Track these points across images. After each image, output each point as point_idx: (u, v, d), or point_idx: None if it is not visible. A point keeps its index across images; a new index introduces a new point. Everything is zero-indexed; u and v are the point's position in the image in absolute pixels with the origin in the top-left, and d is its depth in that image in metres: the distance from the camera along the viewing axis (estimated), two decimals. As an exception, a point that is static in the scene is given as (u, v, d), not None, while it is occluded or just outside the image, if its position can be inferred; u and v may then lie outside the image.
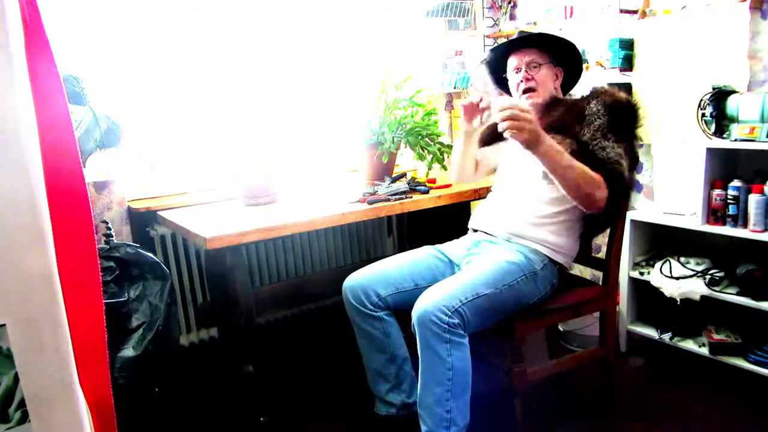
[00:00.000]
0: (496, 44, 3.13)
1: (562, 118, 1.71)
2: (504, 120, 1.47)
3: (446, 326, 1.49)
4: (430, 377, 1.53)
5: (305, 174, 2.62)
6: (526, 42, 1.80)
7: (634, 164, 1.73)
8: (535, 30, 2.87)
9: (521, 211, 1.75)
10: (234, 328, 1.91)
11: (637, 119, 1.70)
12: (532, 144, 1.50)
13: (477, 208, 1.94)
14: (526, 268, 1.67)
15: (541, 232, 1.72)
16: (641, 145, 1.78)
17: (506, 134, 1.47)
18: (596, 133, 1.63)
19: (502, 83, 1.92)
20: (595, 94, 1.72)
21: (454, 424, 1.53)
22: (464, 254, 1.84)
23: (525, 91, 1.78)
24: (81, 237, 0.84)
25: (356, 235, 2.80)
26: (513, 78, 1.82)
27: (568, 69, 1.85)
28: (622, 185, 1.63)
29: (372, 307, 1.75)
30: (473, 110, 1.78)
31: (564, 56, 1.82)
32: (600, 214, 1.66)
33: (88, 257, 0.85)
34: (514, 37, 1.84)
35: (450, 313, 1.49)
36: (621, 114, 1.67)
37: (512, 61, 1.82)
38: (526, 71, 1.77)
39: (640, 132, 1.72)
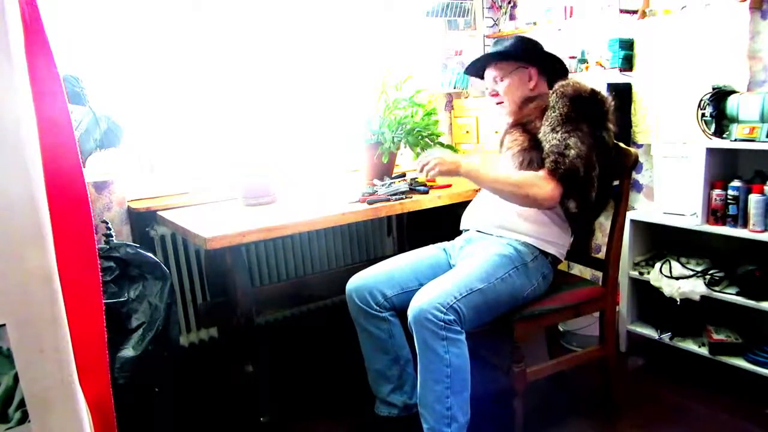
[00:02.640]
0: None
1: (529, 113, 1.76)
2: (423, 169, 1.72)
3: (442, 323, 1.50)
4: (429, 375, 1.54)
5: (305, 174, 2.62)
6: (487, 58, 1.88)
7: (591, 150, 1.64)
8: (536, 29, 2.88)
9: (505, 204, 1.76)
10: (234, 328, 1.91)
11: (600, 110, 1.68)
12: (451, 174, 1.69)
13: (466, 209, 1.95)
14: (517, 260, 1.69)
15: (527, 223, 1.74)
16: (615, 134, 1.74)
17: (431, 175, 1.71)
18: (546, 128, 1.66)
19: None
20: (559, 86, 1.71)
21: (455, 421, 1.54)
22: (457, 253, 1.86)
23: (497, 104, 1.88)
24: (81, 237, 0.84)
25: (356, 235, 2.80)
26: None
27: (547, 62, 1.86)
28: (569, 173, 1.60)
29: (377, 308, 1.76)
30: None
31: (535, 54, 1.84)
32: (575, 203, 1.66)
33: (88, 257, 0.85)
34: (476, 57, 1.94)
35: (445, 310, 1.50)
36: (580, 105, 1.65)
37: (487, 75, 1.91)
38: (492, 88, 1.87)
39: (610, 123, 1.70)
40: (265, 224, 1.76)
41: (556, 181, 1.61)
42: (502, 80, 1.84)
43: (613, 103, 1.71)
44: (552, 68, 1.86)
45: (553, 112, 1.66)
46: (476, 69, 1.94)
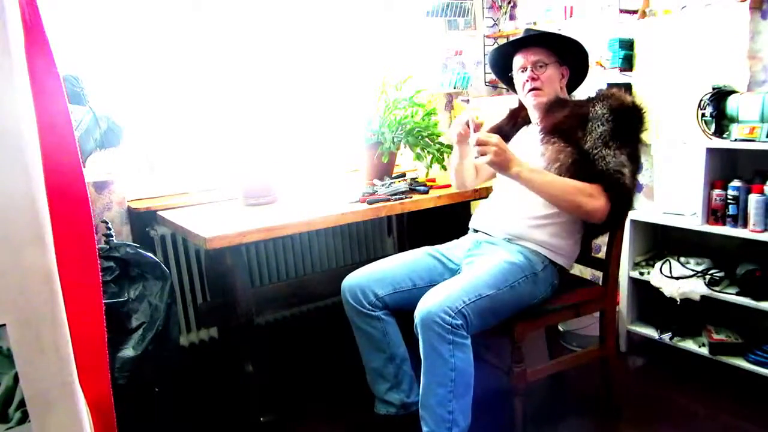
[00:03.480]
0: (496, 44, 3.14)
1: (566, 121, 1.69)
2: (477, 148, 1.59)
3: (449, 327, 1.49)
4: (433, 378, 1.53)
5: (305, 174, 2.62)
6: (534, 41, 1.79)
7: (638, 168, 1.70)
8: (537, 29, 2.88)
9: (520, 213, 1.75)
10: (234, 328, 1.91)
11: (643, 122, 1.68)
12: (501, 167, 1.60)
13: (478, 209, 1.94)
14: (527, 269, 1.67)
15: (539, 233, 1.72)
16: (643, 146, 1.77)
17: (478, 160, 1.60)
18: (597, 142, 1.62)
19: (508, 81, 1.92)
20: (601, 97, 1.70)
21: (456, 425, 1.53)
22: (464, 255, 1.84)
23: (531, 90, 1.78)
24: (81, 237, 0.84)
25: (356, 235, 2.80)
26: (519, 77, 1.82)
27: (575, 68, 1.84)
28: (624, 193, 1.62)
29: (370, 307, 1.75)
30: (462, 137, 1.82)
31: (570, 56, 1.81)
32: (615, 218, 1.67)
33: (88, 257, 0.85)
34: (521, 35, 1.84)
35: (453, 314, 1.50)
36: (626, 119, 1.65)
37: (518, 60, 1.81)
38: (533, 71, 1.77)
39: (644, 135, 1.71)
40: (265, 224, 1.76)
41: (607, 197, 1.61)
42: (545, 67, 1.76)
43: (648, 113, 1.71)
44: (577, 76, 1.86)
45: (602, 126, 1.63)
46: (503, 55, 1.87)
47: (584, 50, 1.80)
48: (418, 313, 1.53)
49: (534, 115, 1.84)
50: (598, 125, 1.64)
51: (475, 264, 1.73)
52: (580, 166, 1.62)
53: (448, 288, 1.57)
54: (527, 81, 1.78)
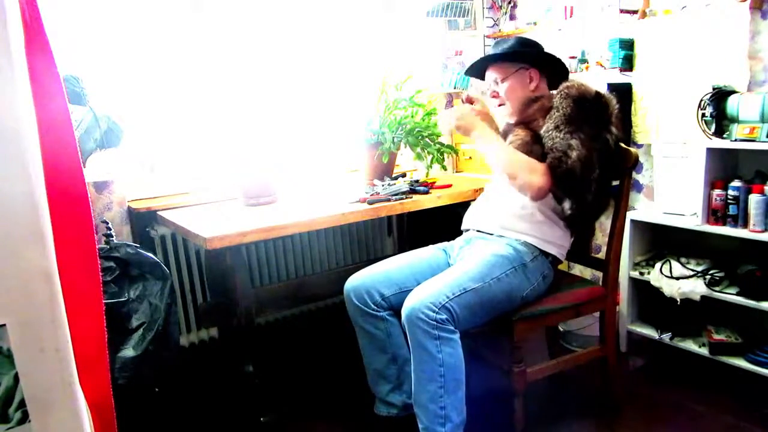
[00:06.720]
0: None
1: (533, 113, 1.77)
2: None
3: (434, 322, 1.51)
4: (422, 374, 1.55)
5: (305, 174, 2.62)
6: (492, 58, 1.86)
7: (594, 156, 1.64)
8: (536, 29, 2.88)
9: (506, 204, 1.78)
10: (234, 328, 1.91)
11: (604, 112, 1.68)
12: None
13: (468, 210, 1.96)
14: (515, 261, 1.69)
15: (527, 223, 1.74)
16: (618, 137, 1.73)
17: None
18: (550, 125, 1.67)
19: None
20: (564, 87, 1.72)
21: (450, 421, 1.54)
22: (457, 253, 1.86)
23: (498, 106, 1.87)
24: (81, 237, 0.84)
25: (356, 235, 2.80)
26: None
27: (549, 63, 1.85)
28: (566, 174, 1.61)
29: (375, 307, 1.76)
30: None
31: (533, 56, 1.83)
32: (569, 204, 1.68)
33: (88, 257, 0.85)
34: (475, 59, 1.93)
35: (437, 309, 1.51)
36: (584, 106, 1.66)
37: (487, 77, 1.90)
38: (493, 89, 1.86)
39: (614, 127, 1.70)
40: (265, 224, 1.76)
41: (551, 177, 1.63)
42: (503, 82, 1.82)
43: (617, 105, 1.71)
44: (553, 69, 1.86)
45: (557, 112, 1.67)
46: (477, 70, 1.93)
47: (538, 50, 1.83)
48: (404, 310, 1.55)
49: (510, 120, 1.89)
50: (555, 111, 1.68)
51: (464, 259, 1.75)
52: (530, 146, 1.70)
53: (433, 284, 1.59)
54: (492, 98, 1.87)
